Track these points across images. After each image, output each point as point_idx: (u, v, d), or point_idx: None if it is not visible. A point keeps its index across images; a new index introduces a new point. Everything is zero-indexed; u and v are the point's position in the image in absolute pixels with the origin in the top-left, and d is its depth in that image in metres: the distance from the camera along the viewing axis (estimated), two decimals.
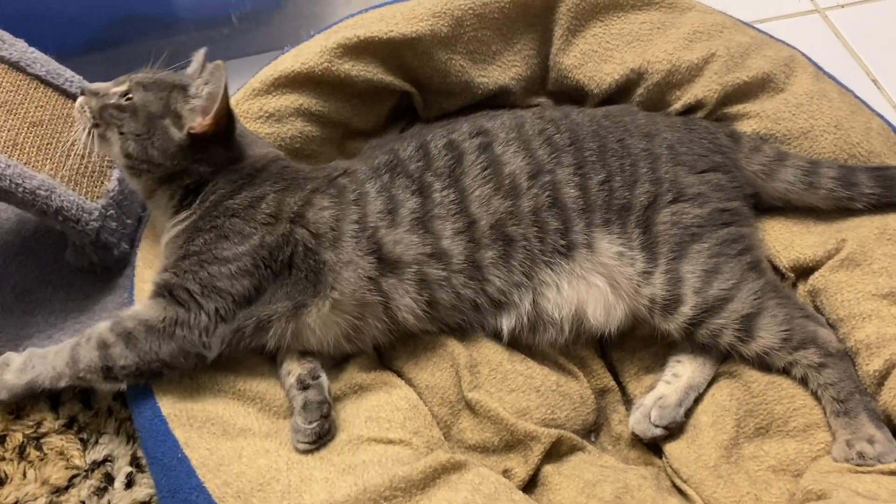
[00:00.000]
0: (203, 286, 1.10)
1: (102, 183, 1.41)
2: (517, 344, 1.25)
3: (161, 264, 1.17)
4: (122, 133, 1.16)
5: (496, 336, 1.23)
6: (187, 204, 1.18)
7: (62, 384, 1.11)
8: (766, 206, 1.34)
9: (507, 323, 1.21)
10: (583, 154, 1.23)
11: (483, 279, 1.18)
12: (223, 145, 1.19)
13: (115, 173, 1.40)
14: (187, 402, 1.10)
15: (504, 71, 1.44)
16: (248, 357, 1.17)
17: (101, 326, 1.11)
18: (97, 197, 1.38)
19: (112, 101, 1.17)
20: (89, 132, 1.18)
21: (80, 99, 1.19)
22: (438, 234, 1.17)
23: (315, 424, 1.06)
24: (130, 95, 1.17)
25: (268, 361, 1.19)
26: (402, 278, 1.15)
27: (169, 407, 1.09)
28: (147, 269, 1.23)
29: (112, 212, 1.39)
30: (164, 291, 1.11)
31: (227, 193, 1.16)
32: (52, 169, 1.33)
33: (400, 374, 1.21)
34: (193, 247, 1.13)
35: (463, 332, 1.23)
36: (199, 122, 1.15)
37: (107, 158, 1.36)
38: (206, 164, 1.18)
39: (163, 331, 1.08)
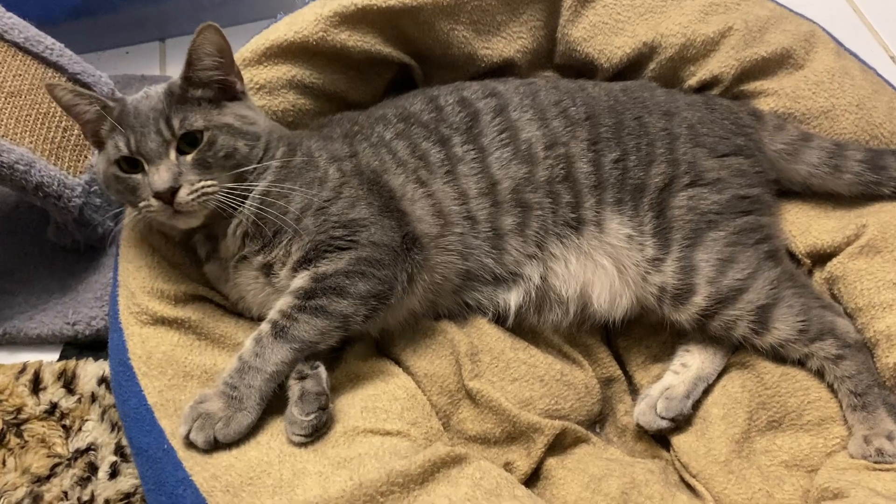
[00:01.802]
0: (344, 226, 1.07)
1: (86, 157, 1.34)
2: (521, 327, 1.22)
3: (256, 244, 1.09)
4: (230, 155, 1.06)
5: (502, 316, 1.20)
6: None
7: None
8: (784, 191, 1.28)
9: (515, 298, 1.18)
10: (598, 130, 1.19)
11: (502, 249, 1.16)
12: None
13: None
14: (174, 391, 1.06)
15: (509, 43, 1.37)
16: (241, 344, 1.11)
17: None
18: (80, 172, 1.32)
19: (193, 155, 1.04)
20: (228, 193, 1.04)
21: (183, 192, 1.01)
22: (466, 192, 1.14)
23: (312, 417, 1.01)
24: (198, 128, 1.04)
25: None
26: (448, 237, 1.13)
27: (155, 395, 1.05)
28: (132, 248, 1.17)
29: (96, 188, 1.33)
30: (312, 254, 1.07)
31: (286, 156, 1.13)
32: (31, 142, 1.26)
33: (398, 362, 1.17)
34: (293, 206, 1.07)
35: (470, 312, 1.20)
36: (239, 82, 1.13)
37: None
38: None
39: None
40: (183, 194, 1.01)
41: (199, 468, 0.98)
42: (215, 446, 0.99)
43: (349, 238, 1.07)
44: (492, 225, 1.15)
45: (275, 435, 1.03)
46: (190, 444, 0.99)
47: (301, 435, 1.01)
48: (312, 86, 1.31)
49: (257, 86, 1.28)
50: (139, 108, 1.05)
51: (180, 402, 1.05)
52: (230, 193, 1.04)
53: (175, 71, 1.69)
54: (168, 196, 1.01)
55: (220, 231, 1.10)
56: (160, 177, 1.01)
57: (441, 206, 1.14)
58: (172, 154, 1.03)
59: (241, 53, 1.30)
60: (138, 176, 1.04)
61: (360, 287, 1.05)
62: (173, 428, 1.02)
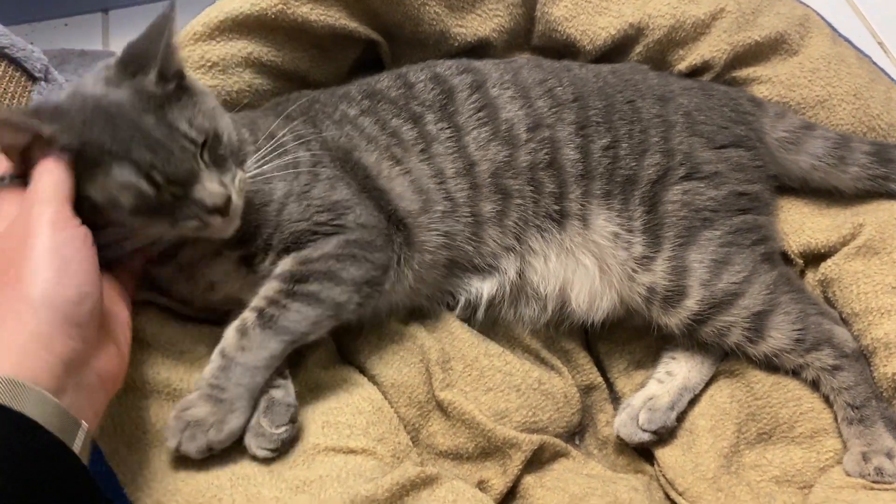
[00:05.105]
0: (329, 210, 0.98)
1: None
2: (495, 325, 1.14)
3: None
4: (233, 142, 0.92)
5: (473, 305, 1.12)
6: None
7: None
8: (777, 186, 1.20)
9: (488, 289, 1.10)
10: (587, 113, 1.10)
11: (481, 239, 1.07)
12: None
13: None
14: (114, 407, 0.94)
15: (484, 21, 1.27)
16: (188, 352, 1.02)
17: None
18: None
19: (208, 156, 0.86)
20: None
21: (235, 197, 0.86)
22: (443, 171, 1.06)
23: (283, 430, 0.92)
24: (208, 128, 0.87)
25: (208, 354, 1.04)
26: (431, 214, 1.05)
27: None
28: None
29: None
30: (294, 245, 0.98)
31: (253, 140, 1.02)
32: None
33: (362, 371, 1.07)
34: (277, 194, 0.98)
35: (444, 302, 1.12)
36: None
37: None
38: None
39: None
40: (235, 199, 0.86)
41: (140, 493, 0.89)
42: (208, 453, 0.91)
43: (335, 223, 0.98)
44: (471, 210, 1.07)
45: (225, 454, 0.93)
46: (181, 457, 0.91)
47: (268, 449, 0.92)
48: (270, 64, 1.21)
49: (209, 63, 1.16)
50: (118, 119, 0.81)
51: (120, 417, 0.94)
52: None
53: (119, 46, 1.56)
54: (226, 208, 0.85)
55: None
56: (214, 191, 0.84)
57: (420, 183, 1.05)
58: (202, 164, 0.85)
59: (191, 27, 1.18)
60: (167, 197, 0.83)
61: (353, 272, 0.96)
62: (114, 448, 0.92)
